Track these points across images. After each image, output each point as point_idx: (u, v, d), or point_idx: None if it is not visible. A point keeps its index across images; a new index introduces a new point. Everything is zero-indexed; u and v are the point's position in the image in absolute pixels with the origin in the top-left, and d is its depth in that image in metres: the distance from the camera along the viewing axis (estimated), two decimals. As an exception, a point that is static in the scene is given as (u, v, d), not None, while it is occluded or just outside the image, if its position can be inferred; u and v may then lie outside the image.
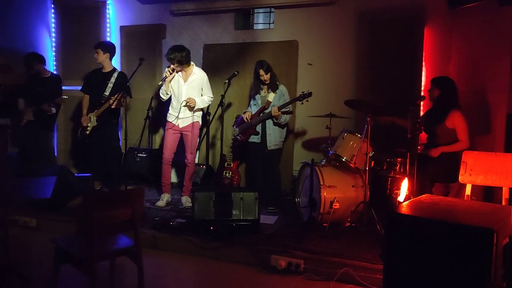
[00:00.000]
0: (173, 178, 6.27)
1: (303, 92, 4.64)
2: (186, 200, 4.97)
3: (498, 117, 4.19)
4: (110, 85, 5.20)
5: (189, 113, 4.88)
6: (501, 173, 3.49)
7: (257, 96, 4.98)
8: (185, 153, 4.97)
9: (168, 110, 5.01)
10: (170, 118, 4.93)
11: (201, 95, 4.92)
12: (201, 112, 5.02)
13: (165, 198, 5.02)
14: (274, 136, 4.87)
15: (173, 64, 4.70)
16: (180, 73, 4.84)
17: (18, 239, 4.16)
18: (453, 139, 4.04)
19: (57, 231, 4.33)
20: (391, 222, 2.52)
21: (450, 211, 2.57)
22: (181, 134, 4.96)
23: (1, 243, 3.24)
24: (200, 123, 5.04)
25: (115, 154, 5.37)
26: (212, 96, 5.00)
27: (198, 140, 5.06)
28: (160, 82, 4.82)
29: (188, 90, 4.84)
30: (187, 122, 4.90)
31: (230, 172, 5.35)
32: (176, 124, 4.89)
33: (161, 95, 4.90)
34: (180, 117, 4.86)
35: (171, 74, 4.75)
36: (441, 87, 4.13)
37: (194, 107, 4.80)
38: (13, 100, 5.76)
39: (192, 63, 4.88)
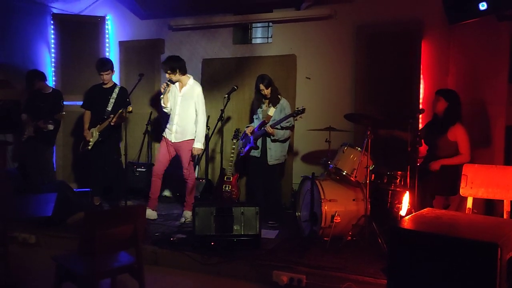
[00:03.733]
0: (170, 193, 6.27)
1: (297, 108, 4.65)
2: (186, 214, 4.94)
3: (497, 130, 4.21)
4: (112, 100, 5.22)
5: (184, 128, 4.83)
6: (502, 186, 3.50)
7: (259, 110, 5.00)
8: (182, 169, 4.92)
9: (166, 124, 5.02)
10: (166, 132, 4.92)
11: (195, 109, 4.84)
12: (194, 130, 4.86)
13: (149, 213, 4.81)
14: (275, 151, 4.87)
15: (166, 73, 4.73)
16: (177, 84, 4.87)
17: (17, 256, 4.13)
18: (454, 152, 4.05)
19: (56, 247, 4.31)
20: (394, 237, 2.51)
21: (453, 225, 2.57)
22: (175, 149, 4.90)
23: (1, 261, 3.21)
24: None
25: (116, 169, 5.35)
26: (204, 115, 4.90)
27: (191, 156, 4.89)
28: (162, 96, 4.86)
29: (183, 102, 4.84)
30: (181, 138, 4.84)
31: (230, 186, 5.34)
32: (170, 139, 4.86)
33: (163, 110, 4.97)
34: (174, 131, 4.85)
35: (167, 86, 4.79)
36: (450, 99, 4.13)
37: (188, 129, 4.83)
38: (14, 115, 5.75)
39: (189, 76, 4.91)
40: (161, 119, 5.18)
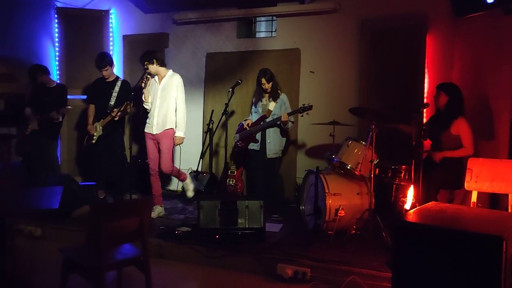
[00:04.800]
0: (175, 186, 6.28)
1: (303, 104, 4.65)
2: (187, 187, 5.02)
3: (502, 123, 4.20)
4: (115, 94, 5.24)
5: (163, 119, 4.73)
6: (507, 180, 3.50)
7: (259, 104, 5.00)
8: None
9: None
10: (146, 127, 4.81)
11: (175, 99, 4.74)
12: (174, 119, 4.76)
13: (157, 210, 4.87)
14: (274, 144, 4.89)
15: (144, 65, 4.63)
16: (156, 77, 4.79)
17: (23, 249, 4.15)
18: (457, 146, 4.05)
19: (62, 240, 4.35)
20: (399, 230, 2.52)
21: (458, 219, 2.57)
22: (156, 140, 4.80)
23: (8, 253, 3.24)
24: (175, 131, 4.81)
25: (120, 163, 5.37)
26: (184, 103, 4.78)
27: (172, 150, 4.84)
28: (143, 90, 4.76)
29: (162, 93, 4.73)
30: (161, 128, 4.73)
31: (234, 180, 5.36)
32: (151, 132, 4.75)
33: (144, 105, 4.83)
34: (155, 123, 4.73)
35: (147, 79, 4.68)
36: (451, 93, 4.13)
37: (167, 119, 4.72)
38: (18, 109, 5.78)
39: (169, 69, 4.82)
40: (142, 117, 4.97)
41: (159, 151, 4.80)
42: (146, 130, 4.82)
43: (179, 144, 4.77)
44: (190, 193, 5.03)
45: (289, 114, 4.70)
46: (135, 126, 6.09)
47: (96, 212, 2.70)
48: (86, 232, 2.78)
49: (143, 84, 4.71)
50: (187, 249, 3.94)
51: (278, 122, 4.75)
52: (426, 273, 2.35)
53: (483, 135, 4.34)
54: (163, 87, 4.76)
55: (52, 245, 4.12)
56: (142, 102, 4.85)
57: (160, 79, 4.78)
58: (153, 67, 4.67)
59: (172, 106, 4.75)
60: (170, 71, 4.82)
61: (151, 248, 3.87)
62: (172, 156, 4.88)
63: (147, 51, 4.77)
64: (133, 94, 5.08)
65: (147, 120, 4.83)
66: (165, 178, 5.76)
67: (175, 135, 4.73)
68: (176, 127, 4.74)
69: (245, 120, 5.08)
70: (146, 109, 4.86)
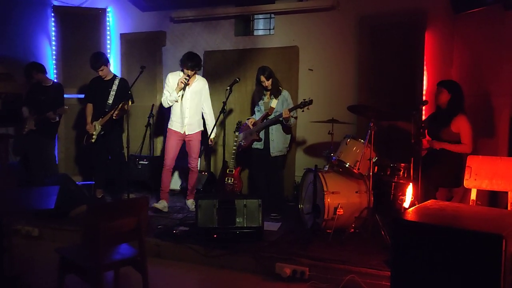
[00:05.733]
0: (175, 185, 6.26)
1: (304, 99, 4.62)
2: (191, 203, 5.10)
3: (502, 121, 4.19)
4: (113, 93, 5.21)
5: (195, 121, 5.05)
6: (506, 177, 3.48)
7: (260, 102, 4.98)
8: (189, 159, 5.10)
9: (169, 117, 5.07)
10: (174, 125, 5.01)
11: (202, 103, 5.11)
12: (202, 121, 5.18)
13: (162, 203, 5.05)
14: (277, 142, 4.86)
15: (191, 70, 4.83)
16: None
17: (21, 249, 4.14)
18: (457, 143, 4.03)
19: (59, 240, 4.33)
20: (398, 229, 2.50)
21: (457, 217, 2.56)
22: (184, 141, 5.06)
23: (5, 253, 3.22)
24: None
25: (119, 162, 5.35)
26: (211, 106, 5.19)
27: (200, 147, 5.18)
28: (181, 90, 4.90)
29: (192, 95, 4.98)
30: (194, 130, 5.05)
31: (232, 179, 5.34)
32: (182, 132, 4.99)
33: (169, 102, 4.95)
34: (186, 123, 4.99)
35: (187, 80, 4.84)
36: (452, 90, 4.10)
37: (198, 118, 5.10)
38: (16, 108, 5.75)
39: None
40: (164, 110, 5.21)
41: (178, 151, 5.09)
42: (173, 128, 5.02)
43: (210, 145, 5.16)
44: (192, 208, 5.08)
45: (290, 110, 4.68)
46: (158, 124, 6.09)
47: (93, 211, 2.67)
48: (82, 232, 2.75)
49: (182, 85, 4.83)
50: (185, 248, 3.92)
51: (281, 119, 4.72)
52: (425, 272, 2.33)
53: (483, 132, 4.32)
54: (194, 90, 5.00)
55: (49, 245, 4.12)
56: (168, 98, 4.92)
57: (191, 81, 4.95)
58: (192, 73, 4.88)
59: (200, 109, 5.12)
60: (197, 75, 5.07)
61: (149, 247, 3.86)
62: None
63: (196, 58, 4.89)
64: (130, 93, 5.08)
65: (174, 118, 5.02)
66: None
67: (210, 137, 5.05)
68: (211, 129, 5.04)
69: (248, 119, 5.06)
70: (166, 104, 4.97)
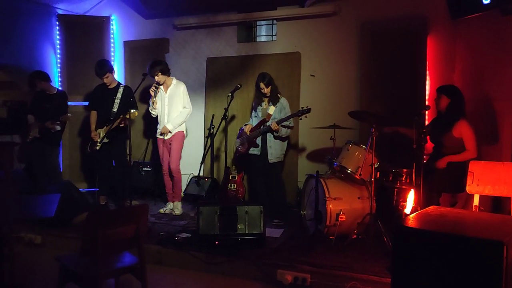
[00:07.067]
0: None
1: (302, 108, 4.62)
2: (175, 206, 5.24)
3: (505, 126, 4.14)
4: (117, 100, 5.23)
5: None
6: (509, 183, 3.44)
7: (258, 108, 4.98)
8: (169, 161, 5.15)
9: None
10: (158, 133, 5.22)
11: (182, 106, 5.12)
12: (184, 123, 5.18)
13: (169, 205, 5.29)
14: (275, 149, 4.85)
15: (157, 76, 4.94)
16: (162, 86, 5.09)
17: (23, 256, 4.15)
18: (459, 149, 3.99)
19: (62, 247, 4.33)
20: (398, 236, 2.48)
21: (458, 224, 2.53)
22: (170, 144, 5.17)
23: (6, 261, 3.22)
24: (185, 133, 5.23)
25: (123, 169, 5.36)
26: (190, 107, 5.14)
27: (181, 150, 5.21)
28: (153, 99, 5.07)
29: (170, 101, 5.08)
30: (170, 133, 5.11)
31: (235, 185, 5.33)
32: (163, 138, 5.14)
33: (151, 112, 5.18)
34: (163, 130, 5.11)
35: (156, 88, 5.03)
36: (452, 96, 4.08)
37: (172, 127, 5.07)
38: (20, 116, 5.79)
39: (172, 77, 5.15)
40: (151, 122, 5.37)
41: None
42: (158, 136, 5.22)
43: (163, 133, 5.07)
44: (178, 212, 5.24)
45: (282, 121, 4.68)
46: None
47: (92, 219, 2.67)
48: (82, 240, 2.75)
49: (152, 93, 5.03)
50: (187, 255, 3.91)
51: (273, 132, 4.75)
52: (426, 279, 2.31)
53: (485, 137, 4.28)
54: (170, 95, 5.09)
55: (52, 252, 4.09)
56: (149, 111, 5.21)
57: (166, 88, 5.10)
58: (162, 77, 4.99)
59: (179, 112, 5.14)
60: (174, 79, 5.17)
61: (151, 254, 3.87)
62: (180, 157, 5.22)
63: (155, 62, 5.03)
64: (133, 100, 5.10)
65: (158, 126, 5.20)
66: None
67: (165, 125, 5.05)
68: (172, 120, 5.05)
69: (246, 125, 5.06)
70: (152, 115, 5.22)
